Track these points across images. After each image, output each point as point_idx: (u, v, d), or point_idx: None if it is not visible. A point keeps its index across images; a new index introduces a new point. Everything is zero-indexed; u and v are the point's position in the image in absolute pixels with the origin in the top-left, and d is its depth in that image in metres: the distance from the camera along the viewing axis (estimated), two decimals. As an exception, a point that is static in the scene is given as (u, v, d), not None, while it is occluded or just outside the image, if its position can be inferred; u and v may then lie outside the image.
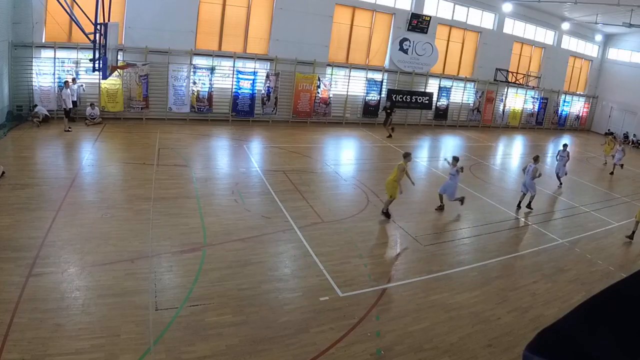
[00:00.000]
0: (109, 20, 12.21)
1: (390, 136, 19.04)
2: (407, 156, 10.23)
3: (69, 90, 14.38)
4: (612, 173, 18.15)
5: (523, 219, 11.37)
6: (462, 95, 24.26)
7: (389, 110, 19.28)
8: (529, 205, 11.84)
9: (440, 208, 11.13)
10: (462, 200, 11.22)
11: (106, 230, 8.02)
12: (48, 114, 14.73)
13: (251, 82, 18.36)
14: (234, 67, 17.97)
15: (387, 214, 10.09)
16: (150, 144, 13.78)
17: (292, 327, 6.01)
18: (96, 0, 11.00)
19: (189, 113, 17.60)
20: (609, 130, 28.48)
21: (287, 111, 19.59)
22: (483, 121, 25.28)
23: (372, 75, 21.18)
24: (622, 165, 18.53)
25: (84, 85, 15.60)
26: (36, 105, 14.73)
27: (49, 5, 13.82)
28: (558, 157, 15.03)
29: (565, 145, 15.19)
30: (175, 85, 17.15)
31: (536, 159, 12.07)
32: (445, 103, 23.62)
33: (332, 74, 20.10)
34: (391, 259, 8.44)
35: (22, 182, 9.70)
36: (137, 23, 16.02)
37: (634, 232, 10.60)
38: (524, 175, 12.05)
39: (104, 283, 6.41)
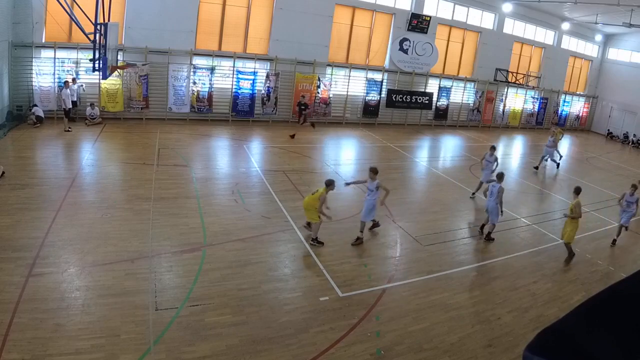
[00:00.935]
0: (109, 20, 12.21)
1: (293, 136, 16.65)
2: (329, 184, 8.34)
3: (68, 90, 14.38)
4: (536, 167, 16.77)
5: (524, 219, 11.35)
6: (462, 95, 24.26)
7: (302, 107, 17.68)
8: (488, 236, 9.57)
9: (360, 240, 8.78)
10: (376, 224, 9.26)
11: (106, 230, 8.02)
12: (41, 115, 14.62)
13: (251, 82, 18.35)
14: (234, 67, 17.97)
15: (318, 242, 8.34)
16: (150, 144, 13.77)
17: (292, 327, 6.01)
18: (96, 0, 11.00)
19: (189, 113, 17.61)
20: (555, 120, 27.69)
21: (287, 111, 19.59)
22: (483, 121, 25.28)
23: (372, 75, 21.18)
24: (558, 165, 17.18)
25: (84, 85, 15.60)
26: (35, 106, 14.70)
27: (49, 5, 13.81)
28: (484, 162, 12.49)
29: (493, 148, 12.51)
30: (175, 85, 17.15)
31: (500, 177, 9.63)
32: (445, 103, 23.61)
33: (332, 74, 20.10)
34: (391, 259, 8.43)
35: (22, 182, 9.70)
36: (137, 23, 16.01)
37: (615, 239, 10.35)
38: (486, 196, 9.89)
39: (104, 283, 6.41)
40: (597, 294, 1.05)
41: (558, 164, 17.37)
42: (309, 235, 8.59)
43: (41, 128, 14.17)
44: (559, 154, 17.58)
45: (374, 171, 8.77)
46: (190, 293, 6.45)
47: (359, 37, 20.96)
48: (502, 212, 9.64)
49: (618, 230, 10.52)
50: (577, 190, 9.29)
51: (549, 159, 17.36)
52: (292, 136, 16.73)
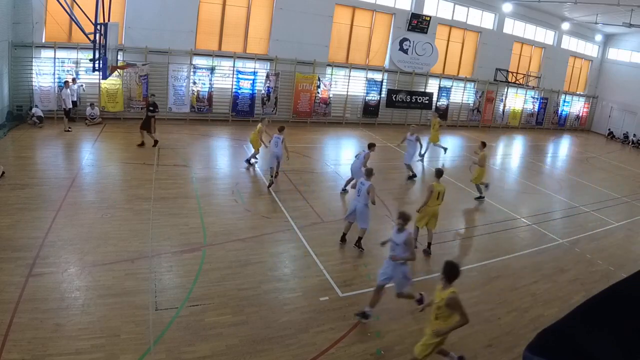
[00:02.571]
0: (109, 20, 12.21)
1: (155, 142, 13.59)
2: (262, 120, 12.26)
3: (68, 90, 14.37)
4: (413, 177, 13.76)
5: (524, 219, 11.35)
6: (462, 95, 24.26)
7: (151, 109, 13.29)
8: (358, 243, 8.39)
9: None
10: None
11: (106, 230, 8.02)
12: (41, 115, 14.60)
13: (251, 82, 18.35)
14: (234, 67, 17.97)
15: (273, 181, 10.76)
16: (150, 144, 13.76)
17: (292, 327, 6.01)
18: (96, 0, 11.00)
19: (189, 113, 17.60)
20: (435, 109, 22.69)
21: (287, 111, 19.59)
22: (483, 121, 25.27)
23: (372, 75, 21.18)
24: (420, 162, 15.56)
25: (84, 85, 15.60)
26: (36, 106, 14.68)
27: (49, 5, 13.81)
28: (406, 142, 12.33)
29: (371, 145, 11.06)
30: (175, 85, 17.15)
31: (369, 174, 8.30)
32: (445, 103, 23.61)
33: (332, 74, 20.09)
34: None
35: (22, 182, 9.70)
36: (137, 23, 16.01)
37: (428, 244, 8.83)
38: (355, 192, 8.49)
39: (104, 283, 6.41)
40: (597, 294, 1.05)
41: (422, 157, 15.97)
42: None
43: (41, 128, 14.16)
44: (424, 146, 15.57)
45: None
46: (190, 293, 6.45)
47: (359, 37, 20.96)
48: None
49: None
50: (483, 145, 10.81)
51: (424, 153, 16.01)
52: (150, 144, 13.38)
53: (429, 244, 8.71)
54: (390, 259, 6.32)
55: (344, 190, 11.43)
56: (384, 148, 16.84)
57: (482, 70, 24.41)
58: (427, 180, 13.71)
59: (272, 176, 11.19)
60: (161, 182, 10.70)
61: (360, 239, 8.37)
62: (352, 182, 10.41)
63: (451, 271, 4.97)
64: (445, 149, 16.99)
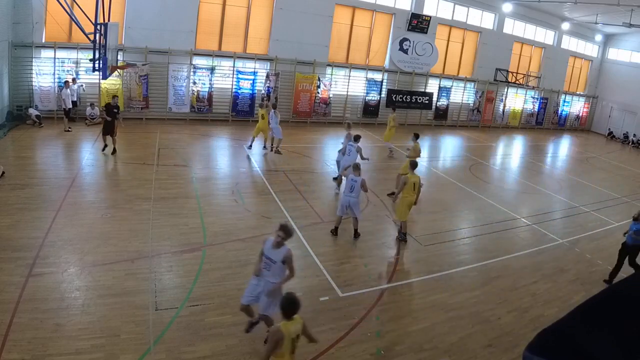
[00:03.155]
0: (109, 20, 12.21)
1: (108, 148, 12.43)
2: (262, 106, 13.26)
3: (68, 90, 14.38)
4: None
5: (524, 219, 11.35)
6: (462, 95, 24.26)
7: (115, 111, 12.15)
8: (356, 233, 8.86)
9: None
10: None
11: (106, 230, 8.02)
12: (39, 114, 14.58)
13: (251, 82, 18.35)
14: (234, 67, 17.97)
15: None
16: (150, 144, 13.77)
17: (292, 327, 5.99)
18: (96, 0, 11.00)
19: (189, 113, 17.60)
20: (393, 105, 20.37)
21: (287, 111, 19.58)
22: (483, 121, 25.28)
23: (372, 75, 21.18)
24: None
25: (84, 85, 15.60)
26: (31, 107, 14.64)
27: (49, 5, 13.81)
28: (346, 148, 11.58)
29: (357, 138, 11.31)
30: (175, 85, 17.15)
31: (357, 168, 8.85)
32: (445, 103, 23.61)
33: (332, 74, 20.10)
34: (391, 259, 8.43)
35: (22, 182, 9.70)
36: (137, 23, 16.01)
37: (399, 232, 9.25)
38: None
39: (104, 283, 6.41)
40: (597, 294, 1.05)
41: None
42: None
43: (40, 128, 14.15)
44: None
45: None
46: (190, 293, 6.45)
47: (359, 37, 20.96)
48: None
49: None
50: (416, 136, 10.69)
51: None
52: (112, 151, 12.36)
53: (404, 234, 9.10)
54: (259, 276, 5.44)
55: (339, 188, 11.55)
56: (384, 148, 16.81)
57: (482, 70, 24.41)
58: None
59: (335, 179, 11.90)
60: (161, 182, 10.70)
61: (357, 229, 8.92)
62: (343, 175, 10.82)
63: (289, 307, 4.51)
64: (391, 150, 16.19)
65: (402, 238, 9.04)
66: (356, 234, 8.91)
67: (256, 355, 5.40)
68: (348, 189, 8.69)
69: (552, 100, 27.92)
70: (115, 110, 12.16)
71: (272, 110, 13.87)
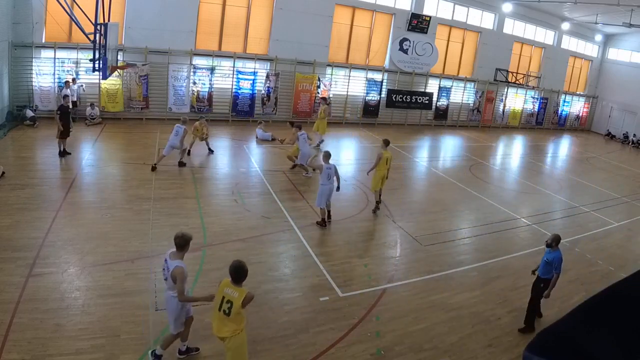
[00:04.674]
0: (109, 21, 12.20)
1: (68, 153, 11.88)
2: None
3: (69, 90, 14.37)
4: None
5: (524, 219, 11.34)
6: (462, 95, 24.26)
7: (70, 110, 12.00)
8: (329, 216, 9.48)
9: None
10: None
11: (106, 230, 8.02)
12: (34, 115, 14.55)
13: (251, 82, 18.35)
14: (234, 67, 17.97)
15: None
16: (150, 144, 13.77)
17: (292, 327, 6.01)
18: (96, 0, 11.00)
19: (189, 113, 17.56)
20: (326, 97, 18.84)
21: (287, 111, 19.59)
22: (483, 121, 25.28)
23: (372, 75, 21.17)
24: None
25: (84, 85, 15.60)
26: (24, 107, 14.60)
27: (49, 5, 13.81)
28: (299, 142, 12.22)
29: (296, 127, 12.46)
30: (175, 85, 17.15)
31: (328, 157, 9.46)
32: (445, 103, 23.61)
33: (332, 74, 20.10)
34: (391, 259, 8.43)
35: (22, 182, 9.70)
36: (137, 23, 16.01)
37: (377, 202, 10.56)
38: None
39: (104, 283, 6.41)
40: (597, 294, 1.05)
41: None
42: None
43: (40, 128, 14.14)
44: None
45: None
46: (190, 293, 6.44)
47: (359, 37, 20.96)
48: (338, 188, 9.48)
49: None
50: (386, 143, 10.62)
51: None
52: (66, 153, 11.86)
53: (378, 202, 10.48)
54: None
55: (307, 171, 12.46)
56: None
57: (482, 70, 24.41)
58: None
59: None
60: (161, 182, 10.70)
61: (329, 212, 9.49)
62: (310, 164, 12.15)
63: (232, 270, 4.44)
64: (321, 141, 15.82)
65: (375, 208, 10.38)
66: (329, 216, 9.46)
67: (256, 356, 5.40)
68: (325, 178, 9.20)
69: (552, 100, 27.92)
70: (70, 110, 11.90)
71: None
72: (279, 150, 14.81)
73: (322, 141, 16.07)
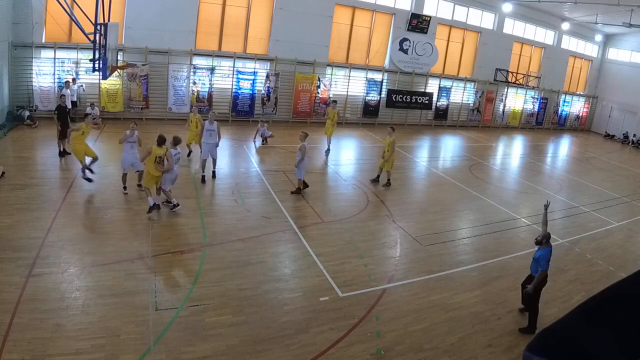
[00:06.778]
0: (109, 21, 12.20)
1: (68, 153, 11.61)
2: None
3: (68, 90, 14.37)
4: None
5: (524, 219, 11.34)
6: (462, 95, 24.27)
7: (69, 110, 11.93)
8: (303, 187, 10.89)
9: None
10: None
11: (106, 230, 8.02)
12: (31, 115, 14.53)
13: (251, 82, 18.35)
14: (234, 67, 17.97)
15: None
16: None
17: (292, 327, 6.00)
18: (96, 0, 10.99)
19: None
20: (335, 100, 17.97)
21: (287, 111, 19.59)
22: (483, 121, 25.28)
23: (372, 75, 21.18)
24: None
25: (84, 85, 15.60)
26: (22, 108, 14.61)
27: (49, 5, 13.82)
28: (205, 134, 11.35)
29: (212, 114, 11.75)
30: (175, 86, 17.15)
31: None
32: (445, 103, 23.62)
33: (332, 74, 20.10)
34: (391, 259, 8.43)
35: (22, 182, 9.70)
36: (137, 23, 16.01)
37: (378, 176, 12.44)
38: None
39: (104, 283, 6.41)
40: (597, 294, 1.05)
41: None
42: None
43: (40, 128, 14.14)
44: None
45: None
46: (190, 293, 6.44)
47: (359, 37, 20.97)
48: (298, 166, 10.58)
49: None
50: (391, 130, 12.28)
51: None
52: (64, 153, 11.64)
53: (388, 179, 12.39)
54: None
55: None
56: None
57: (482, 70, 24.41)
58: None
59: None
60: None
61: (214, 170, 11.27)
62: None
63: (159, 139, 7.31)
64: (328, 150, 15.51)
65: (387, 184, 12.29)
66: (214, 175, 11.09)
67: (256, 356, 5.40)
68: (208, 136, 10.95)
69: (552, 100, 27.92)
70: (63, 112, 11.71)
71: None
72: (279, 150, 14.81)
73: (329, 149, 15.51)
